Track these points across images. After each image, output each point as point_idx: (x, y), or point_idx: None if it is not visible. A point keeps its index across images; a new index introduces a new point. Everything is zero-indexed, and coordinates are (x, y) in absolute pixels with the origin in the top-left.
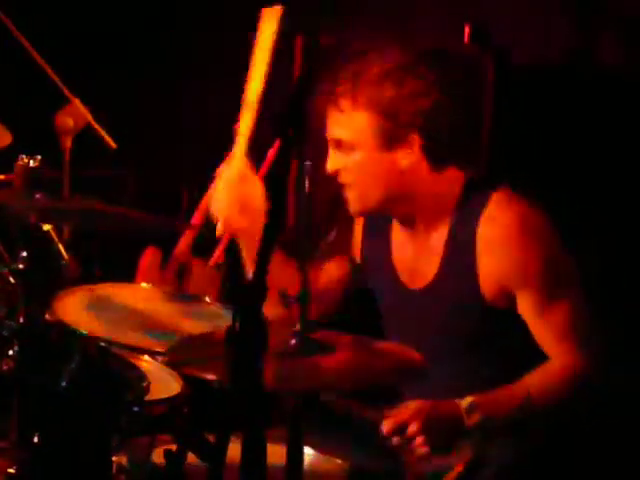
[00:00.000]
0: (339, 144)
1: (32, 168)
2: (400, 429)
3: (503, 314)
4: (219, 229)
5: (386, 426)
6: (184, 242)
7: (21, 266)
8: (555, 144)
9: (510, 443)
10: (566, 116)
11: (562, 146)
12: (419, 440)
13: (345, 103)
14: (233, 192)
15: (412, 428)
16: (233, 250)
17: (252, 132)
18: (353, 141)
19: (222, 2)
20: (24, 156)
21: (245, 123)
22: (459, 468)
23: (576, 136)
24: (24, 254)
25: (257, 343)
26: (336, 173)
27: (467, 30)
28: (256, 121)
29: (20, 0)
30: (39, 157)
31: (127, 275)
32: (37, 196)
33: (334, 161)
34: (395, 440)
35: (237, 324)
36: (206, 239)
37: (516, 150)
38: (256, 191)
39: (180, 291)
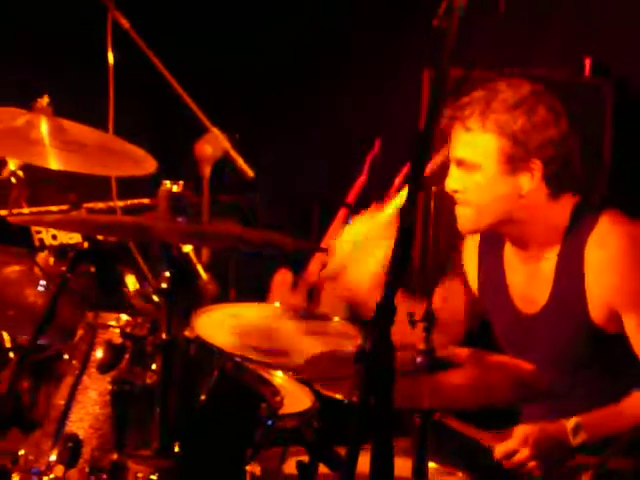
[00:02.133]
0: (462, 163)
1: (175, 193)
2: (511, 455)
3: (611, 338)
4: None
5: (498, 453)
6: (315, 263)
7: (164, 285)
8: None
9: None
10: None
11: None
12: (530, 464)
13: (474, 124)
14: (353, 252)
15: (522, 455)
16: None
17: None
18: (478, 161)
19: (351, 24)
20: (167, 182)
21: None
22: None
23: None
24: (167, 274)
25: (386, 362)
26: (455, 191)
27: (588, 63)
28: None
29: (164, 35)
30: (181, 182)
31: (261, 295)
32: (179, 219)
33: (455, 179)
34: (507, 464)
35: (368, 344)
36: None
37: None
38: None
39: (310, 311)
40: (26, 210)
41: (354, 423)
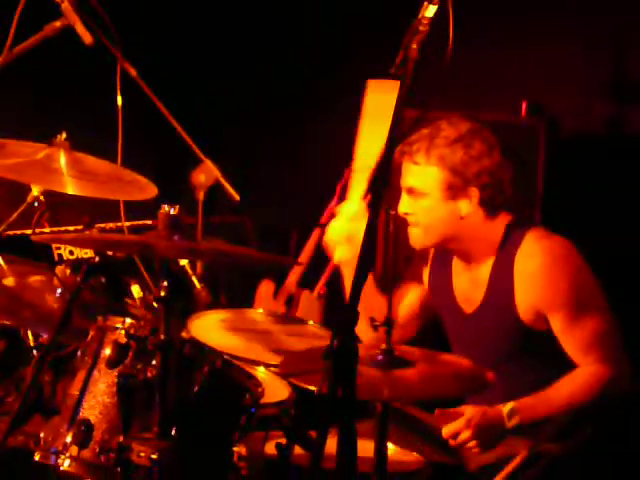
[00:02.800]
0: (411, 191)
1: (172, 215)
2: (455, 434)
3: (539, 334)
4: (332, 257)
5: (444, 432)
6: (293, 276)
7: (162, 293)
8: (592, 196)
9: (556, 438)
10: (604, 176)
11: (597, 197)
12: (471, 443)
13: (420, 158)
14: (348, 227)
15: (465, 435)
16: (333, 283)
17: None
18: (423, 190)
19: (340, 50)
20: (165, 205)
21: (362, 174)
22: (517, 461)
23: (609, 191)
24: (165, 284)
25: (350, 358)
26: (406, 214)
27: (524, 105)
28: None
29: (166, 78)
30: (178, 206)
31: (247, 302)
32: (175, 238)
33: (405, 204)
34: (452, 442)
35: (335, 342)
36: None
37: (559, 200)
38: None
39: (288, 316)
40: (47, 230)
41: (322, 410)
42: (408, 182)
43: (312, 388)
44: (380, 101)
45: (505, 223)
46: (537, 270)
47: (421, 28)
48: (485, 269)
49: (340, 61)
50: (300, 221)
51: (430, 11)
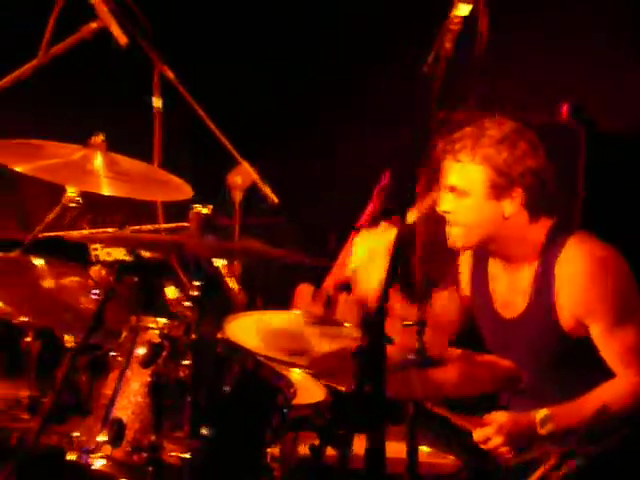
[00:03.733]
0: (453, 189)
1: (204, 214)
2: (486, 440)
3: (579, 341)
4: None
5: (476, 437)
6: (331, 279)
7: (195, 293)
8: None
9: (588, 445)
10: None
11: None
12: (502, 449)
13: (465, 157)
14: (374, 271)
15: (496, 441)
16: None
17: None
18: (466, 188)
19: (365, 61)
20: (196, 205)
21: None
22: (548, 465)
23: None
24: (197, 283)
25: (379, 357)
26: (447, 212)
27: (565, 107)
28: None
29: (203, 79)
30: (210, 206)
31: (284, 304)
32: (209, 237)
33: (446, 203)
34: (483, 447)
35: (365, 343)
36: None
37: (601, 203)
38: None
39: (326, 317)
40: (85, 231)
41: (352, 409)
42: (451, 180)
43: (342, 388)
44: (371, 248)
45: (548, 226)
46: (578, 275)
47: (452, 27)
48: (527, 274)
49: (379, 60)
50: (338, 223)
51: (463, 10)
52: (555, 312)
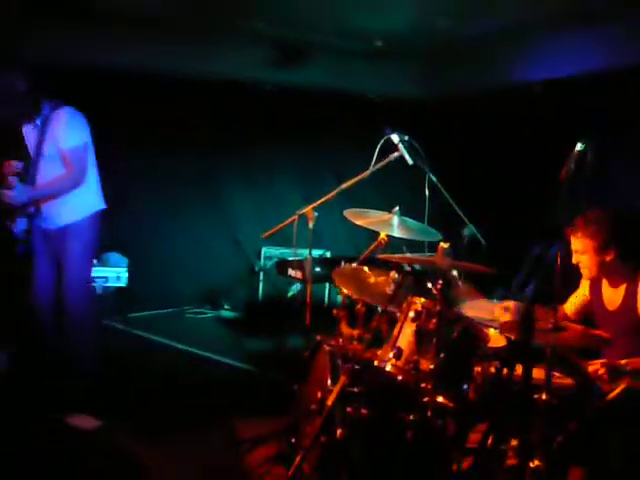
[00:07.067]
0: (577, 250)
1: (445, 247)
2: (596, 370)
3: None
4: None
5: (590, 369)
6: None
7: (440, 287)
8: None
9: None
10: None
11: None
12: (604, 377)
13: (580, 233)
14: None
15: (600, 371)
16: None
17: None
18: (583, 250)
19: None
20: (444, 244)
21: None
22: (620, 388)
23: None
24: (440, 282)
25: (530, 325)
26: (577, 262)
27: None
28: None
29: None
30: (449, 243)
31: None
32: (448, 258)
33: (575, 257)
34: (592, 374)
35: (522, 316)
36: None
37: None
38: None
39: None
40: (398, 255)
41: (516, 349)
42: (574, 246)
43: (512, 337)
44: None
45: (632, 265)
46: None
47: (576, 154)
48: (622, 287)
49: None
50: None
51: (580, 147)
52: (636, 306)
